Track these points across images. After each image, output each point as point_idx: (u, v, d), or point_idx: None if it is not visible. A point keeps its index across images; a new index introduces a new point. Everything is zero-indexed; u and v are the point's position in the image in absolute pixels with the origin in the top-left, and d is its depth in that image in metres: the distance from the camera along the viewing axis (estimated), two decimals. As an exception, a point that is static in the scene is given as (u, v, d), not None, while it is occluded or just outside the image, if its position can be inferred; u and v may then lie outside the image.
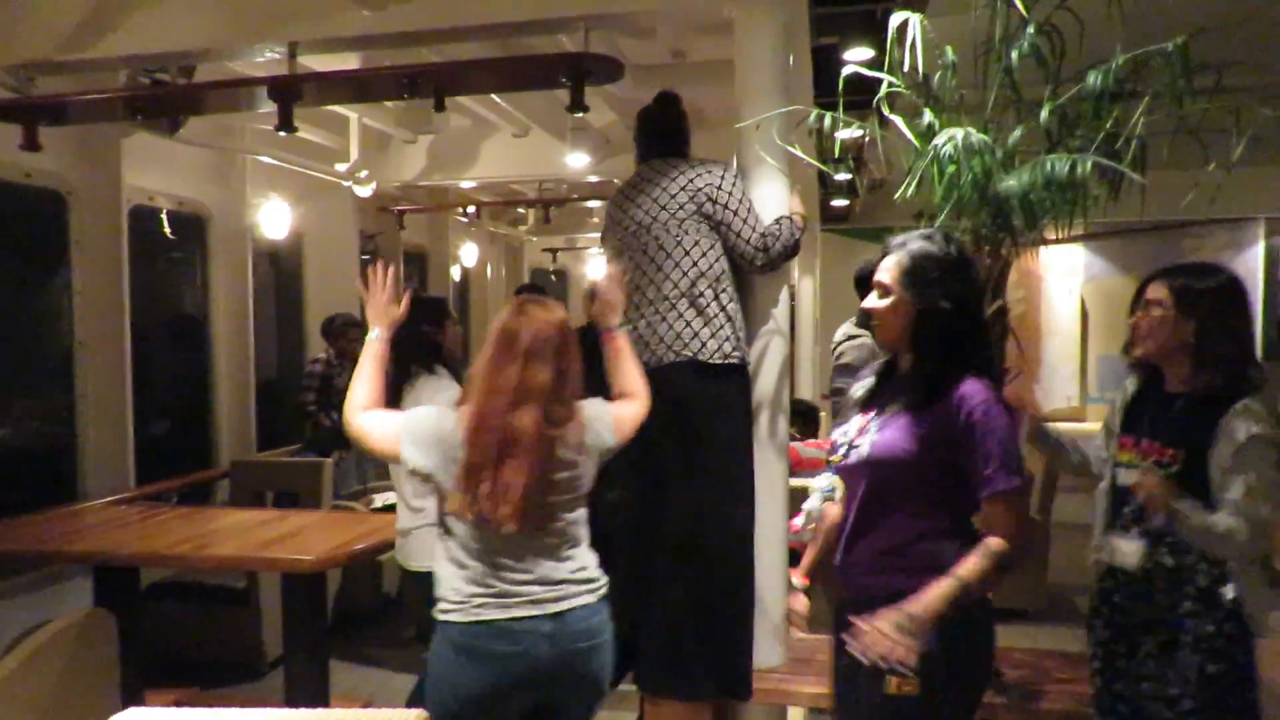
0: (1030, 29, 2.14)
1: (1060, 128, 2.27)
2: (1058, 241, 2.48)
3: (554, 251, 10.53)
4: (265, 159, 5.28)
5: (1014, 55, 2.18)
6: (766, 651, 2.69)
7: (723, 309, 2.58)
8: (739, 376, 2.63)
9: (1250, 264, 8.32)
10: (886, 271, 1.86)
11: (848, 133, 2.53)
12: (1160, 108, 2.11)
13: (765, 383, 2.75)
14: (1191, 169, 2.24)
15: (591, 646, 2.05)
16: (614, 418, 2.17)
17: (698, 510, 2.54)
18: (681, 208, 2.58)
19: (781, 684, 2.63)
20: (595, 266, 11.02)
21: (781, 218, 2.62)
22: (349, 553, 3.13)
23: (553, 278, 11.09)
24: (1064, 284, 9.42)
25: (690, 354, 2.54)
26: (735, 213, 2.59)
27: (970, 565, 1.73)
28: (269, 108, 3.62)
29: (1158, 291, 1.99)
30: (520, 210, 8.95)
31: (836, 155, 2.63)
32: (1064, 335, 9.47)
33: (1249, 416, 1.87)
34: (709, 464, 2.56)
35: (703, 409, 2.56)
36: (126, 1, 3.27)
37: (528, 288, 6.21)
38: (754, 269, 2.62)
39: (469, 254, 8.70)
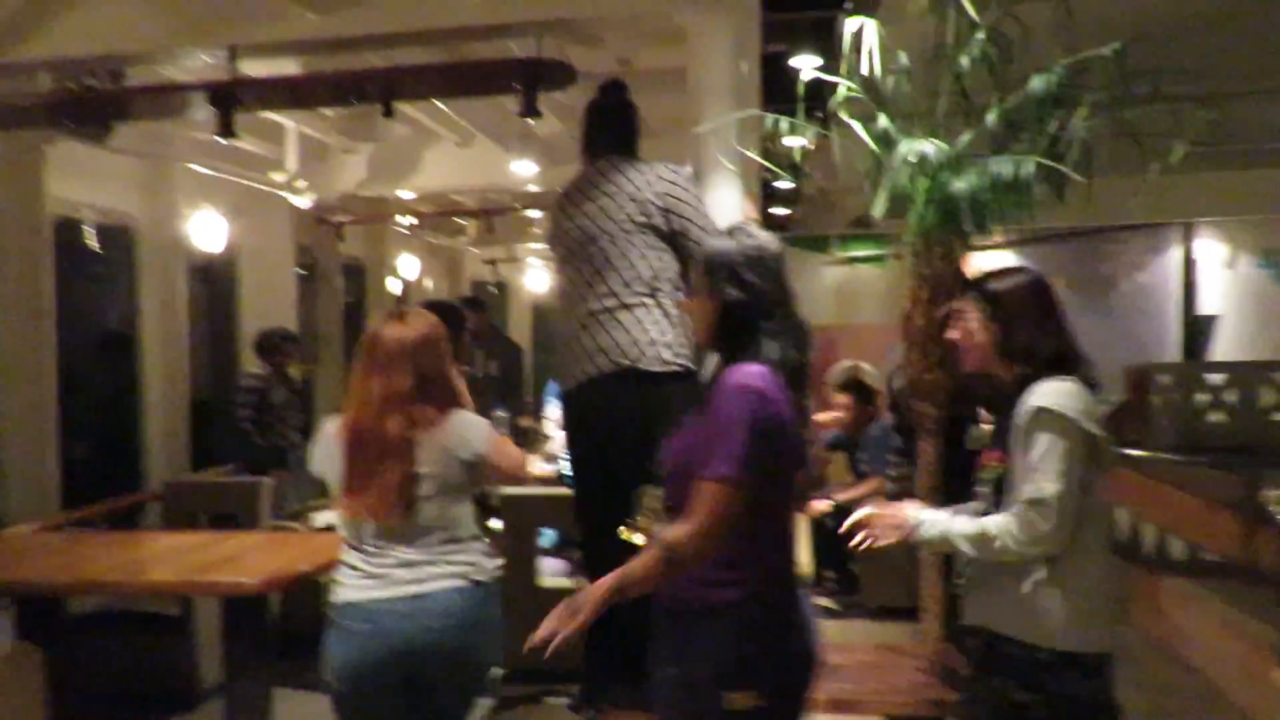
0: (980, 35, 2.18)
1: (1006, 132, 2.32)
2: (986, 248, 2.54)
3: (494, 263, 10.43)
4: (197, 168, 5.11)
5: (964, 61, 2.22)
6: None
7: (666, 315, 2.56)
8: (683, 382, 2.58)
9: (1169, 268, 8.66)
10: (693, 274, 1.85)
11: (795, 139, 2.55)
12: (1101, 113, 2.17)
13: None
14: (1129, 174, 2.31)
15: (455, 626, 2.15)
16: (493, 436, 2.28)
17: None
18: (630, 218, 2.54)
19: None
20: (535, 278, 10.95)
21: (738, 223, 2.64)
22: (294, 574, 3.00)
23: (493, 289, 10.97)
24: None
25: (628, 362, 2.52)
26: (691, 220, 2.57)
27: (635, 563, 1.64)
28: (203, 114, 3.51)
29: (962, 302, 2.00)
30: (460, 221, 8.84)
31: (794, 161, 2.65)
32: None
33: (1035, 394, 1.81)
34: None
35: (645, 416, 2.50)
36: (53, 1, 3.14)
37: (469, 301, 6.13)
38: None
39: (408, 266, 8.55)
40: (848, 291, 9.43)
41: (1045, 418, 1.79)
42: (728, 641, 1.68)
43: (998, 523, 1.81)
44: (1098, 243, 8.90)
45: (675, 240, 2.57)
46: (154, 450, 5.12)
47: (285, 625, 4.45)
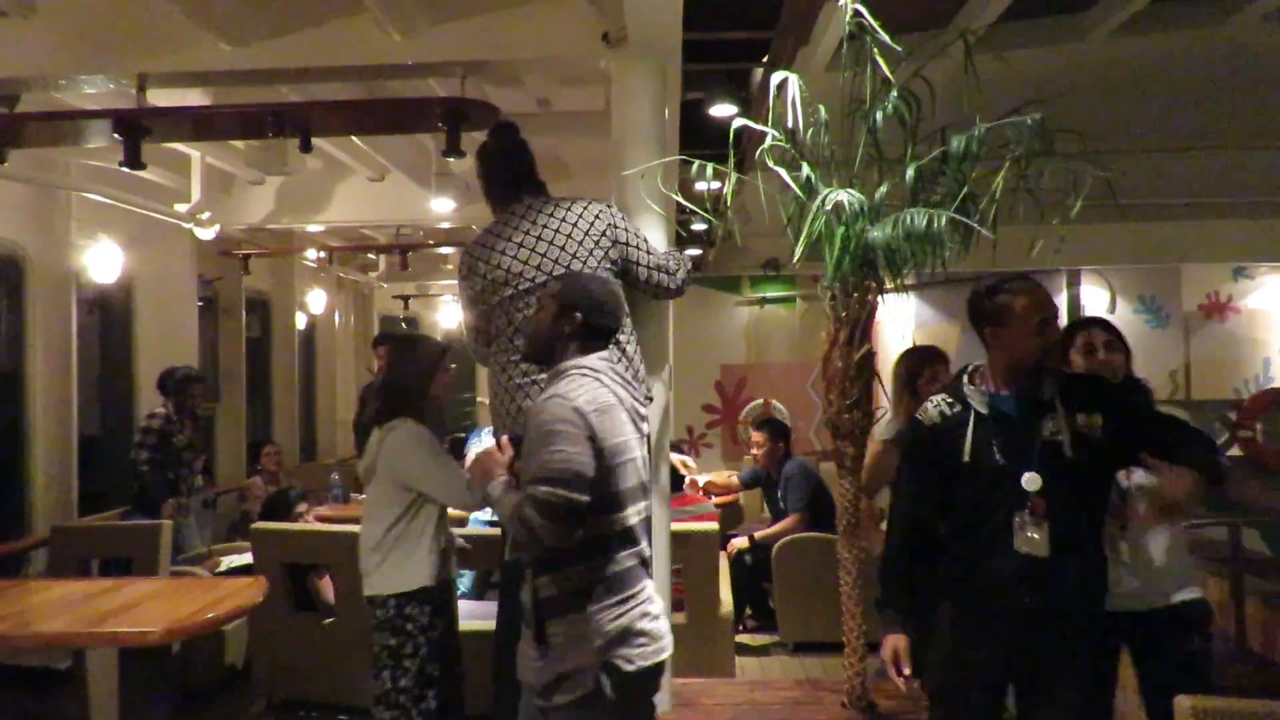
0: (894, 93, 2.31)
1: (918, 184, 2.45)
2: (892, 291, 2.66)
3: (405, 298, 10.25)
4: (94, 196, 4.89)
5: (879, 116, 2.35)
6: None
7: (636, 351, 2.58)
8: None
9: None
10: None
11: (711, 184, 2.63)
12: (1010, 169, 2.32)
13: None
14: (1028, 224, 2.47)
15: None
16: None
17: None
18: (590, 254, 2.49)
19: (670, 730, 2.61)
20: (447, 314, 10.80)
21: (669, 249, 2.73)
22: (199, 622, 2.86)
23: (403, 325, 10.77)
24: (898, 330, 10.06)
25: None
26: (637, 247, 2.59)
27: None
28: (100, 141, 3.38)
29: None
30: (371, 256, 8.68)
31: (712, 206, 2.73)
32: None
33: None
34: None
35: None
36: (-57, 21, 2.98)
37: (385, 338, 5.98)
38: (666, 293, 2.65)
39: (316, 301, 8.33)
40: (759, 331, 9.66)
41: None
42: None
43: None
44: (991, 287, 9.35)
45: (628, 268, 2.57)
46: (39, 492, 4.80)
47: (182, 676, 4.22)
